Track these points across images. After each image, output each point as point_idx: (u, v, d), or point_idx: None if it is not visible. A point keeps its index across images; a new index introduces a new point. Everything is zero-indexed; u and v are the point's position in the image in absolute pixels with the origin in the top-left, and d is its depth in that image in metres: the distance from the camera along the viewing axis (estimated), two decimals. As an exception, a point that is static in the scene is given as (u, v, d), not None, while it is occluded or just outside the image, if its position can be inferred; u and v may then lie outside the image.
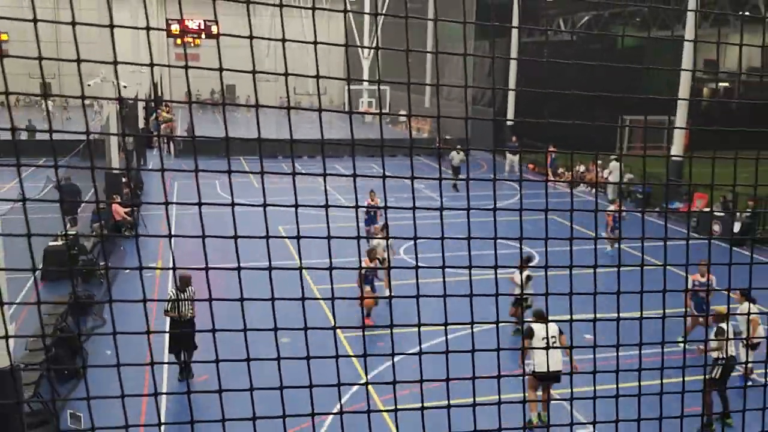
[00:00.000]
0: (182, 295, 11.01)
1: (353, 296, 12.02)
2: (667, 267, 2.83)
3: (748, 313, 9.82)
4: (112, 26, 2.21)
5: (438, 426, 2.84)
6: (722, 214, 21.51)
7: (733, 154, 2.91)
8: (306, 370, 2.60)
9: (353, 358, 12.43)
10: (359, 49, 52.42)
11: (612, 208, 19.36)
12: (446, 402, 2.76)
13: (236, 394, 2.54)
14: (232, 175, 2.36)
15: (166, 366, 11.67)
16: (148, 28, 2.24)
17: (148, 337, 2.48)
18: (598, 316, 2.78)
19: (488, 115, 38.52)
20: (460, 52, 2.58)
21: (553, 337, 9.60)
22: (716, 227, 20.81)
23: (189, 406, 2.59)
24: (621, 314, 2.85)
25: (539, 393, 9.87)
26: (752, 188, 3.00)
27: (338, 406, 10.22)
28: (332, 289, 2.60)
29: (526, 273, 12.50)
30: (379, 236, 15.61)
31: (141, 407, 10.20)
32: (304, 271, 2.50)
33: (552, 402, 9.80)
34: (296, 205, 2.43)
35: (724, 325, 9.60)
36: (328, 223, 2.50)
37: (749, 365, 10.89)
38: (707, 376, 9.63)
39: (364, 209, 16.86)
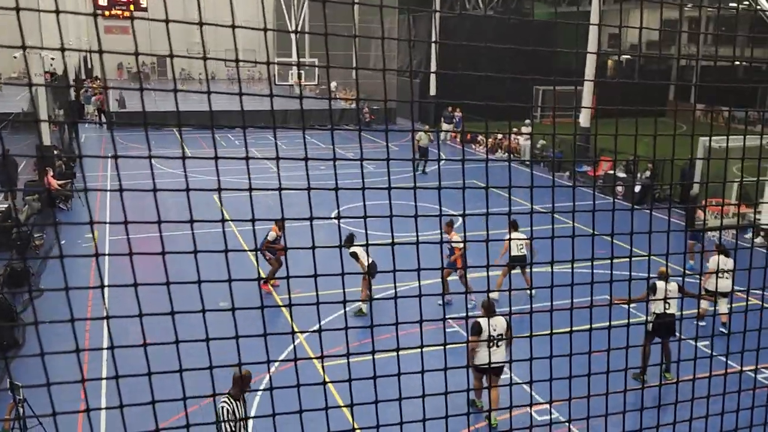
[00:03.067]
0: (239, 406, 6.91)
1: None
2: (577, 228, 2.94)
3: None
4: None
5: (367, 374, 2.89)
6: (624, 175, 22.40)
7: (633, 122, 3.01)
8: (243, 331, 2.58)
9: (289, 319, 12.43)
10: (287, 21, 51.25)
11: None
12: (371, 351, 2.81)
13: (177, 355, 2.51)
14: (167, 150, 2.30)
15: (105, 324, 11.35)
16: None
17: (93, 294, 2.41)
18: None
19: (412, 86, 38.51)
20: (385, 26, 2.57)
21: (500, 334, 9.05)
22: (619, 188, 21.66)
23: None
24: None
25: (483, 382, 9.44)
26: (651, 153, 3.13)
27: (276, 364, 10.24)
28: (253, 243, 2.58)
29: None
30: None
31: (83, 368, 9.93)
32: (239, 236, 2.47)
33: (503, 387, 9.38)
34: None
35: (659, 283, 9.85)
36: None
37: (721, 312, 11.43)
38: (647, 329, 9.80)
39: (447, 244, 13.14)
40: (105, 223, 2.19)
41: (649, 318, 9.87)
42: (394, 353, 2.78)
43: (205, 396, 2.64)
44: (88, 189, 20.42)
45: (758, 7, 18.07)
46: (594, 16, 25.51)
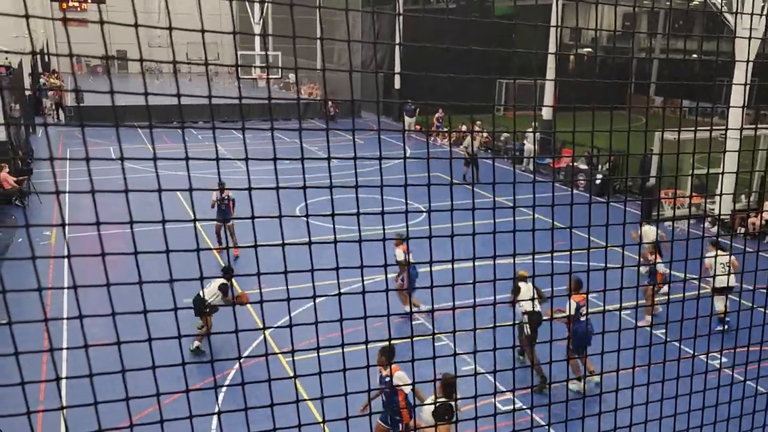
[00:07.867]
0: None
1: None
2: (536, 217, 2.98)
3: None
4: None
5: (335, 369, 2.90)
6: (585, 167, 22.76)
7: (592, 113, 3.07)
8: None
9: (255, 318, 12.36)
10: (250, 14, 50.72)
11: None
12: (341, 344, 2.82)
13: (150, 353, 2.48)
14: (128, 144, 2.26)
15: (65, 324, 11.11)
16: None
17: (40, 295, 2.36)
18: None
19: (376, 79, 38.43)
20: (348, 15, 2.57)
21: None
22: (581, 180, 21.99)
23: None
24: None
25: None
26: (611, 145, 3.19)
27: (240, 360, 10.16)
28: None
29: None
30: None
31: (41, 368, 9.73)
32: (198, 226, 2.45)
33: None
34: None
35: (521, 284, 9.51)
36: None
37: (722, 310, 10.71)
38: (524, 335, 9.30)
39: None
40: (62, 225, 2.15)
41: (525, 319, 9.30)
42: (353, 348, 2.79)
43: (174, 392, 2.62)
44: (44, 192, 19.90)
45: (712, 1, 18.49)
46: (554, 11, 25.81)
